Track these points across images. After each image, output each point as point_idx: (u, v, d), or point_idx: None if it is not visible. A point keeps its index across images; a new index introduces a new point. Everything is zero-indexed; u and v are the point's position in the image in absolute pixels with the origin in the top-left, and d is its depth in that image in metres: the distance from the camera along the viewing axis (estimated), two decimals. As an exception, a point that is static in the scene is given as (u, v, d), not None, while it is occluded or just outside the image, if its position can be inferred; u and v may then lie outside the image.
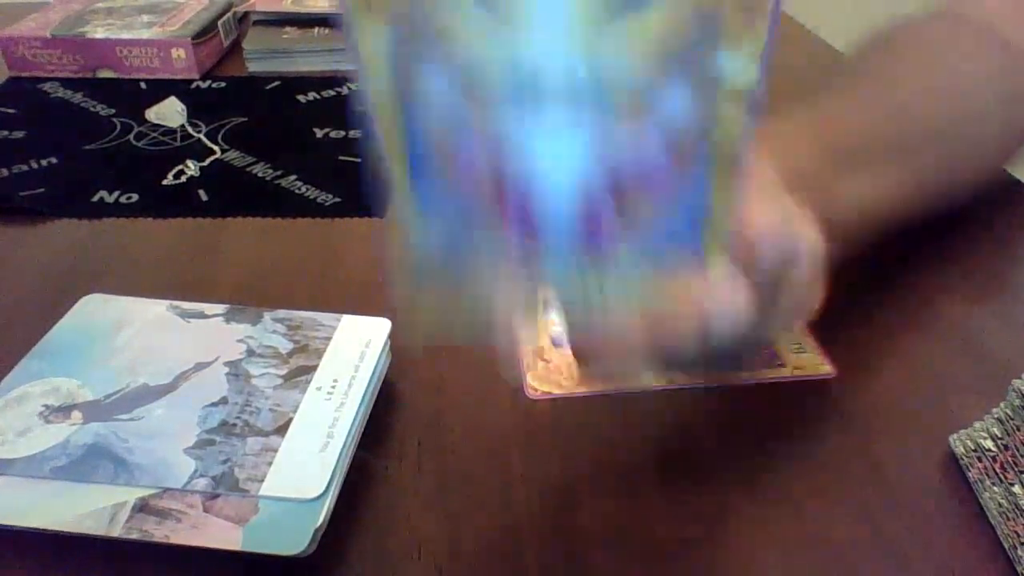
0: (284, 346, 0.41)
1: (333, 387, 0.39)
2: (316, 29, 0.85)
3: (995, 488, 0.36)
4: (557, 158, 0.24)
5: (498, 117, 0.23)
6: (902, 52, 0.54)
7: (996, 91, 0.53)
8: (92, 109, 0.74)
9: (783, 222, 0.34)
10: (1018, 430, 0.35)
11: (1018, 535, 0.34)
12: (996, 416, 0.36)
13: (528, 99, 0.22)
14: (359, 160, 0.65)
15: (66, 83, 0.79)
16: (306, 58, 0.82)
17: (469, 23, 0.20)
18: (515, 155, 0.24)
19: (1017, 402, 0.35)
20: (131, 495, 0.34)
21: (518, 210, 0.25)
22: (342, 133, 0.69)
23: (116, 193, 0.61)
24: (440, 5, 0.20)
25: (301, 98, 0.76)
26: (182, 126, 0.71)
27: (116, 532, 0.33)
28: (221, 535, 0.33)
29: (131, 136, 0.69)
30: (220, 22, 0.85)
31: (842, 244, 0.41)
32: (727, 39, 0.23)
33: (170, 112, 0.73)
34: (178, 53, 0.79)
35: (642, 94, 0.23)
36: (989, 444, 0.36)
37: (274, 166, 0.64)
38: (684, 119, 0.24)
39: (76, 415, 0.37)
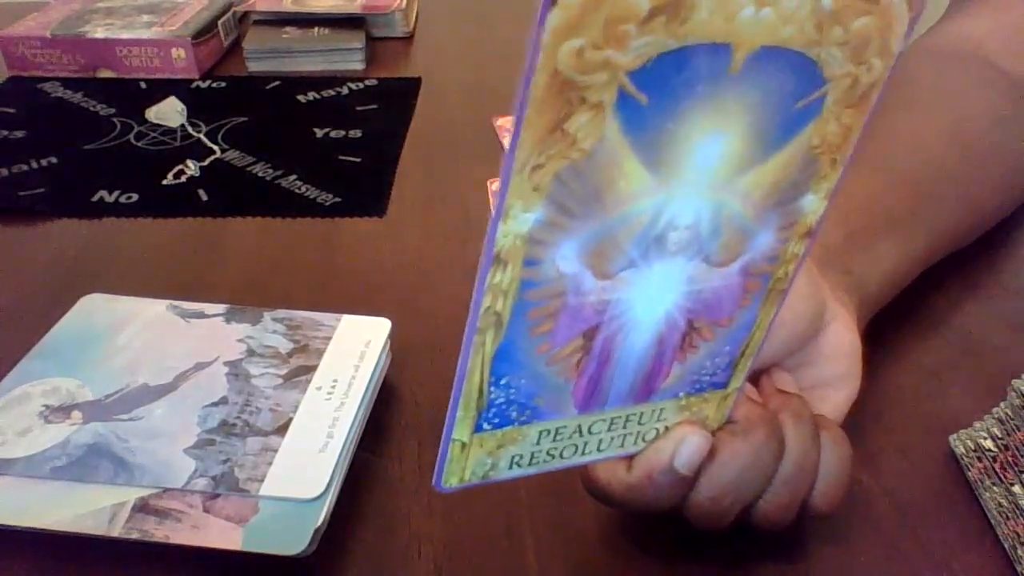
0: (284, 346, 0.41)
1: (333, 387, 0.39)
2: (316, 29, 0.85)
3: (995, 488, 0.36)
4: (652, 305, 0.26)
5: (617, 273, 0.24)
6: (903, 100, 0.51)
7: (1005, 120, 0.51)
8: (92, 109, 0.74)
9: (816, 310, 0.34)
10: (1018, 430, 0.35)
11: (1018, 535, 0.34)
12: (996, 416, 0.36)
13: (652, 253, 0.24)
14: (359, 160, 0.65)
15: (66, 83, 0.79)
16: (306, 58, 0.82)
17: (632, 183, 0.22)
18: (617, 314, 0.26)
19: (1017, 402, 0.35)
20: (131, 495, 0.34)
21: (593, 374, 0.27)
22: (342, 133, 0.69)
23: (116, 193, 0.61)
24: (611, 174, 0.22)
25: (301, 98, 0.76)
26: (182, 126, 0.71)
27: (116, 532, 0.33)
28: (221, 535, 0.33)
29: (131, 136, 0.69)
30: (220, 22, 0.85)
31: (870, 313, 0.41)
32: (815, 182, 0.25)
33: (170, 112, 0.73)
34: (178, 53, 0.79)
35: (743, 238, 0.25)
36: (989, 444, 0.36)
37: (274, 166, 0.64)
38: (764, 258, 0.26)
39: (76, 415, 0.37)
